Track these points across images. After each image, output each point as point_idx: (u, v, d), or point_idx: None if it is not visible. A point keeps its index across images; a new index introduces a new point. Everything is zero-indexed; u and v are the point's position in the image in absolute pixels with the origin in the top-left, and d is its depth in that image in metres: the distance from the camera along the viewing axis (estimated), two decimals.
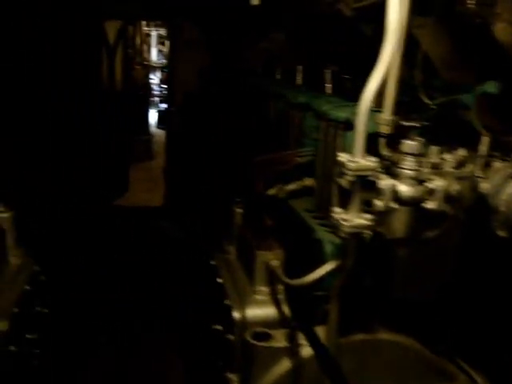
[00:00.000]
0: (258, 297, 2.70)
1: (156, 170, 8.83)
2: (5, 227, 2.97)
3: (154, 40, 14.19)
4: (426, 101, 2.61)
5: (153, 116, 11.59)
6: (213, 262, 3.15)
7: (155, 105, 12.49)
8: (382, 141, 2.27)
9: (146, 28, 12.40)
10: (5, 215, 2.97)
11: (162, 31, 14.36)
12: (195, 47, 5.92)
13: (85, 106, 5.86)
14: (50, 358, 3.26)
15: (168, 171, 6.46)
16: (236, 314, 2.62)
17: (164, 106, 12.13)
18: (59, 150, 5.38)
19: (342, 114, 2.53)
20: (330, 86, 3.23)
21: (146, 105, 10.47)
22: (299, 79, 3.66)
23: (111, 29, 7.44)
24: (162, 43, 14.90)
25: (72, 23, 5.39)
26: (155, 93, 12.91)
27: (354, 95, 3.06)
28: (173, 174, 6.24)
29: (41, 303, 3.11)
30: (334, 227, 2.01)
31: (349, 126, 2.50)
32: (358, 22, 3.10)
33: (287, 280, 2.44)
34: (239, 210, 3.14)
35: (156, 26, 13.74)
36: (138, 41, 10.78)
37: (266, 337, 2.46)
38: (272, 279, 2.69)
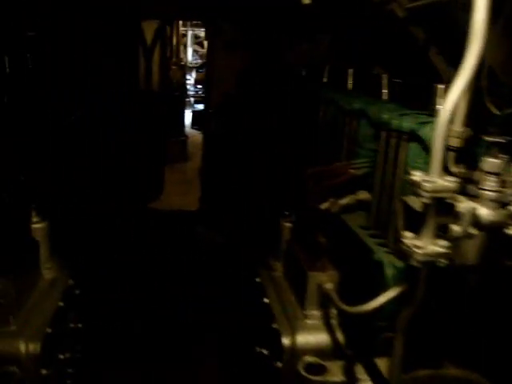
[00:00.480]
0: (310, 322, 2.48)
1: (191, 172, 8.65)
2: (39, 238, 2.78)
3: (189, 40, 14.01)
4: (494, 110, 2.34)
5: (188, 117, 11.41)
6: (258, 280, 2.92)
7: (190, 105, 12.33)
8: (451, 155, 2.01)
9: (181, 28, 12.24)
10: (39, 226, 2.78)
11: (198, 31, 14.21)
12: (234, 47, 5.71)
13: (122, 107, 5.70)
14: (85, 376, 3.06)
15: (205, 174, 6.23)
16: (285, 340, 2.39)
17: (199, 106, 12.00)
18: (93, 152, 5.21)
19: (405, 123, 2.27)
20: (386, 91, 2.96)
21: (182, 105, 10.28)
22: (350, 84, 3.39)
23: (149, 29, 7.30)
24: (198, 43, 14.74)
25: (109, 23, 5.23)
26: (190, 93, 12.75)
27: (406, 100, 2.82)
28: (210, 177, 6.01)
29: (75, 319, 2.91)
30: (405, 254, 1.76)
31: (412, 136, 2.24)
32: (409, 24, 2.87)
33: (344, 306, 2.19)
34: (288, 224, 2.90)
35: (191, 25, 13.58)
36: (174, 41, 10.60)
37: (321, 369, 2.22)
38: (325, 303, 2.45)
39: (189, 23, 12.89)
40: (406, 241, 1.75)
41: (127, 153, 5.96)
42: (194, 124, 11.38)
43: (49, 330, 2.44)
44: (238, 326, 3.47)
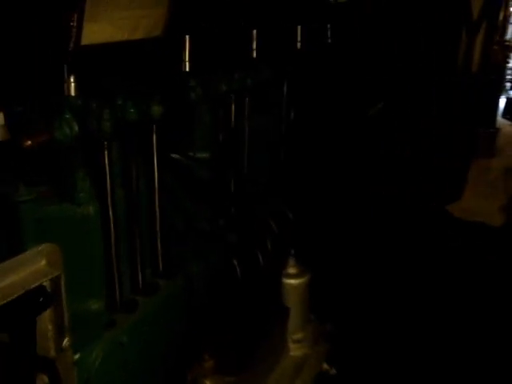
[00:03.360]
0: None
1: (496, 172, 7.06)
2: (291, 298, 1.77)
3: None
4: None
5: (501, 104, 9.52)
6: None
7: (505, 91, 10.30)
8: None
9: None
10: (296, 281, 1.77)
11: None
12: None
13: (434, 92, 4.60)
14: None
15: None
16: None
17: None
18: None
19: None
20: None
21: (498, 91, 8.48)
22: None
23: (477, 2, 6.06)
24: None
25: None
26: (508, 77, 10.67)
27: None
28: None
29: None
30: None
31: None
32: None
33: None
34: None
35: None
36: (500, 16, 8.77)
37: None
38: None
39: None
40: None
41: (429, 143, 4.87)
42: (506, 113, 9.44)
43: None
44: None
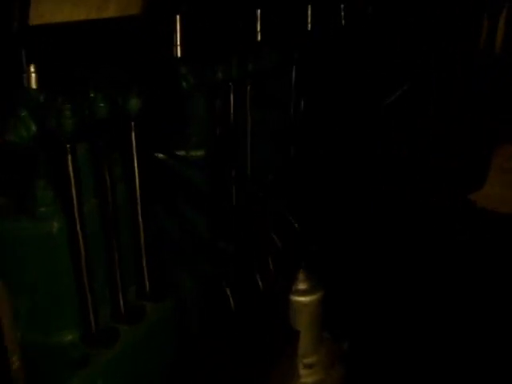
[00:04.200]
0: None
1: None
2: (302, 318, 1.53)
3: None
4: None
5: None
6: None
7: None
8: None
9: None
10: (313, 297, 1.53)
11: None
12: None
13: (458, 70, 4.40)
14: None
15: None
16: None
17: None
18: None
19: None
20: None
21: None
22: None
23: None
24: None
25: None
26: None
27: None
28: None
29: None
30: None
31: None
32: None
33: None
34: None
35: None
36: None
37: None
38: None
39: None
40: None
41: (451, 129, 4.62)
42: None
43: None
44: None
